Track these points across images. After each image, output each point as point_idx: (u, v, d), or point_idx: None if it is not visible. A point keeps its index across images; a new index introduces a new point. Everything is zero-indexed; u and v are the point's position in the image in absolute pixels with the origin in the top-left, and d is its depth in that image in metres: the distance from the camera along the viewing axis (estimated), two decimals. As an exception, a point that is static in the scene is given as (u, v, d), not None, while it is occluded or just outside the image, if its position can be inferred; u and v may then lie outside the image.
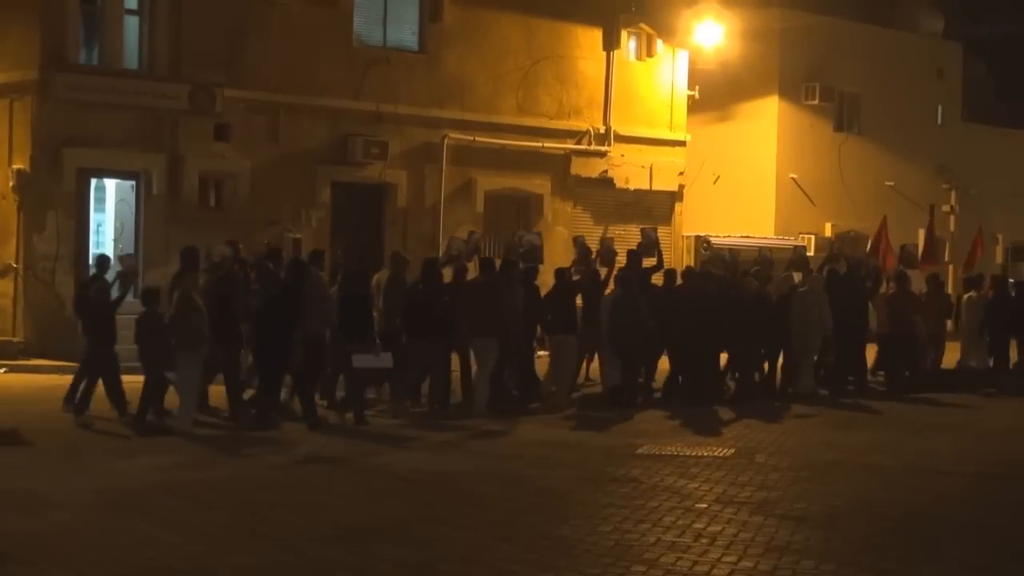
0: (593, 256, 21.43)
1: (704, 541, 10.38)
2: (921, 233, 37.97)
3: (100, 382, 16.66)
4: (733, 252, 24.21)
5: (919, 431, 17.58)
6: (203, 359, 16.21)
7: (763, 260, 22.81)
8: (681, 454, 14.81)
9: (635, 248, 21.03)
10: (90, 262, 21.22)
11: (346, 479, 13.18)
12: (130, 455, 14.30)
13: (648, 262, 20.68)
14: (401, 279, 18.84)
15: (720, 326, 19.60)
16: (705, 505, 11.83)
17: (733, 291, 20.52)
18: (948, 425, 18.41)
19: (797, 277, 22.13)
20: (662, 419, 17.95)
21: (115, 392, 16.56)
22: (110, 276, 17.56)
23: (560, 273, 19.73)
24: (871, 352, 22.61)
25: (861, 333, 21.78)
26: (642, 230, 22.06)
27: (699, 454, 14.83)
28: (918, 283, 24.53)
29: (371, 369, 17.11)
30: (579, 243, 21.97)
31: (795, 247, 26.63)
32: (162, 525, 10.72)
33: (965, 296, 24.90)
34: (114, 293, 17.15)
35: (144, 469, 13.42)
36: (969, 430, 18.10)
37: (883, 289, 23.04)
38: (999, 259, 39.26)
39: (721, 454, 14.88)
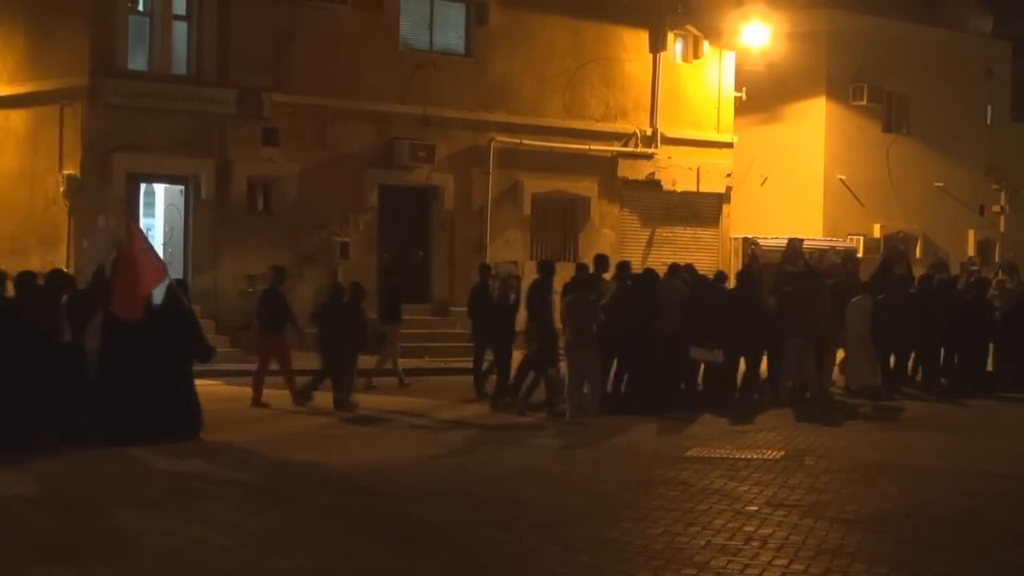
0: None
1: (755, 544, 10.33)
2: (971, 234, 37.86)
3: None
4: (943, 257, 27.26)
5: (969, 433, 17.47)
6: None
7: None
8: (730, 457, 14.76)
9: (886, 258, 24.37)
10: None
11: (391, 481, 13.20)
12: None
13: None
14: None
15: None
16: (755, 508, 11.78)
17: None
18: (998, 427, 18.28)
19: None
20: (712, 421, 17.93)
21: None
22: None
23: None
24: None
25: None
26: (788, 240, 23.55)
27: (748, 457, 14.77)
28: None
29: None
30: (793, 245, 23.05)
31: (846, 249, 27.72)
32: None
33: None
34: None
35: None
36: (1019, 432, 17.96)
37: None
38: (1046, 260, 38.90)
39: (771, 456, 14.82)
